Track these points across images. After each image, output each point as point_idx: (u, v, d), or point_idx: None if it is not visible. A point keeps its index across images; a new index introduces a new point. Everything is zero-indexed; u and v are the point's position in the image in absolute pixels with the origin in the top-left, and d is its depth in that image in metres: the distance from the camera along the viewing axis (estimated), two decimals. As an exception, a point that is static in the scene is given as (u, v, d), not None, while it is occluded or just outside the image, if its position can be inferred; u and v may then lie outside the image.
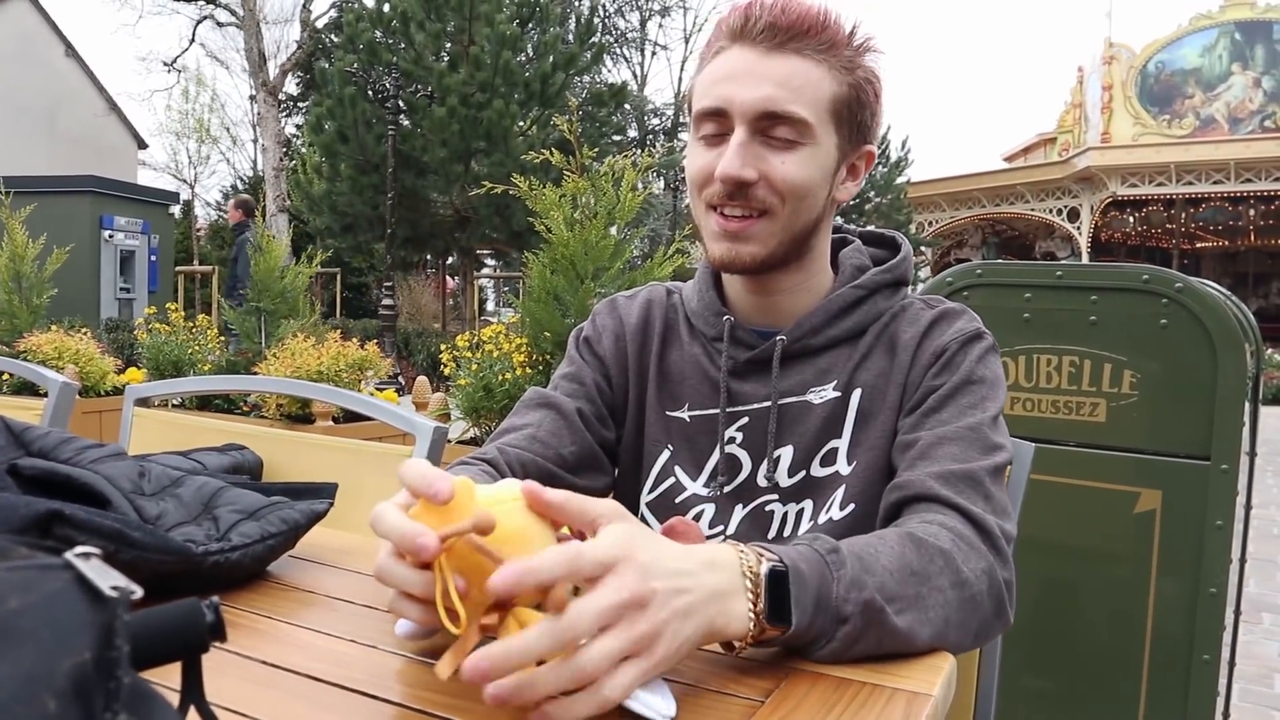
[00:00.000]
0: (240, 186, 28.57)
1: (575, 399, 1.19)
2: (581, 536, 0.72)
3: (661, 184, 23.23)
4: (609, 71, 26.33)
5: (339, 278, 20.59)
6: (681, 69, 29.46)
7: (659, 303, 1.25)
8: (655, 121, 27.19)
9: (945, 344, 1.08)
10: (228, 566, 0.89)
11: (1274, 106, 22.37)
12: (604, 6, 25.79)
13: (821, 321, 1.12)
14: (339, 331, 5.30)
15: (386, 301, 13.32)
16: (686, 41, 29.42)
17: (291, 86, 24.11)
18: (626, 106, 20.39)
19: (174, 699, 0.46)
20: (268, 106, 18.72)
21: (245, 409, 4.72)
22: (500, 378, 3.40)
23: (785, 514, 1.12)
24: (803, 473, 1.11)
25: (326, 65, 15.19)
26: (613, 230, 3.51)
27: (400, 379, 10.09)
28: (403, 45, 14.35)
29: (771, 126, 1.03)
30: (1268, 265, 26.42)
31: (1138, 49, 23.70)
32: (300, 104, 24.86)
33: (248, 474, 1.37)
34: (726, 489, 1.14)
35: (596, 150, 4.26)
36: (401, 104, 13.76)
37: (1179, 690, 1.96)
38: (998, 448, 1.01)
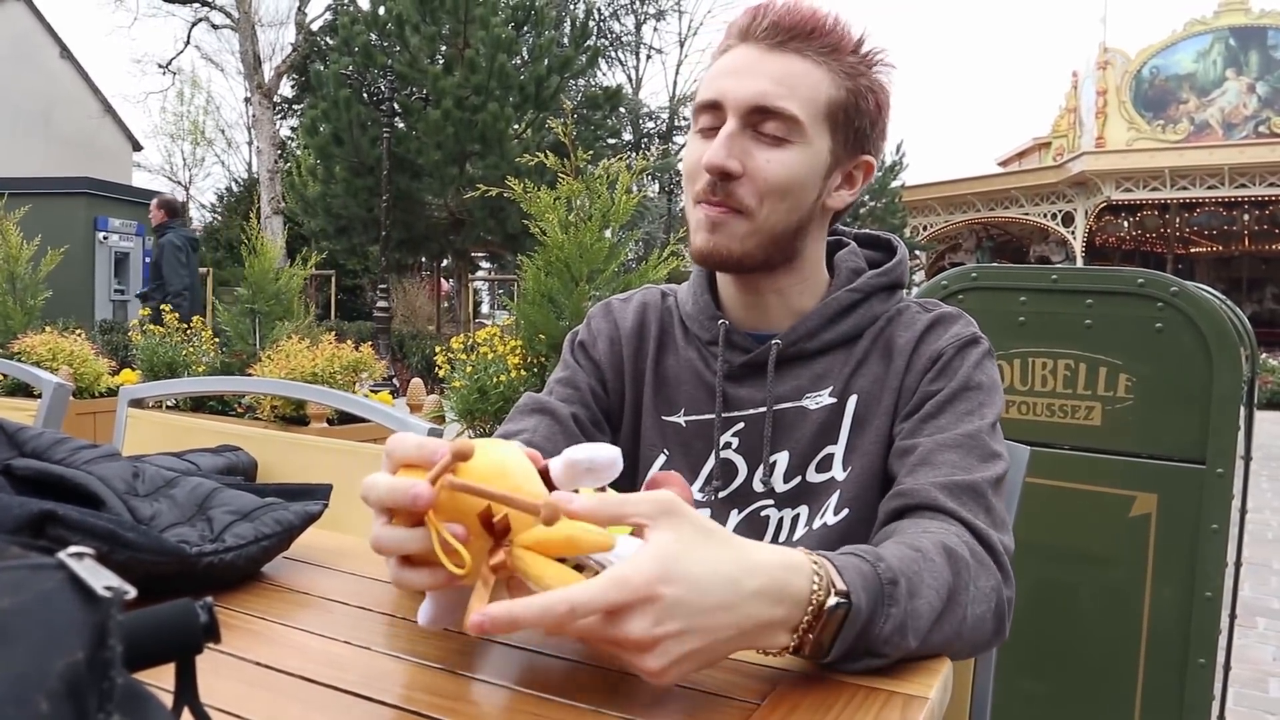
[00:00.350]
0: (235, 189, 28.52)
1: (570, 404, 1.18)
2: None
3: (656, 187, 23.25)
4: (604, 75, 26.34)
5: (334, 280, 20.58)
6: (677, 73, 29.57)
7: (654, 306, 1.25)
8: (650, 125, 27.19)
9: (942, 348, 1.08)
10: (222, 568, 0.89)
11: (1268, 112, 22.45)
12: (599, 10, 25.80)
13: (817, 325, 1.12)
14: (333, 333, 5.30)
15: (381, 304, 13.32)
16: (681, 45, 29.45)
17: (286, 89, 24.09)
18: (621, 110, 20.41)
19: (168, 700, 0.46)
20: (263, 109, 18.70)
21: (239, 411, 4.71)
22: (495, 380, 3.40)
23: (781, 519, 1.11)
24: (798, 478, 1.11)
25: (321, 68, 15.18)
26: (607, 233, 3.50)
27: (395, 381, 10.09)
28: (398, 48, 14.36)
29: (762, 121, 1.03)
30: (1262, 270, 26.50)
31: (1132, 54, 23.77)
32: (295, 106, 24.83)
33: (242, 475, 1.36)
34: (722, 494, 1.13)
35: (591, 153, 4.26)
36: (396, 106, 13.76)
37: (1174, 694, 1.96)
38: (996, 456, 1.01)
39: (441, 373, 3.68)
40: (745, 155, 1.04)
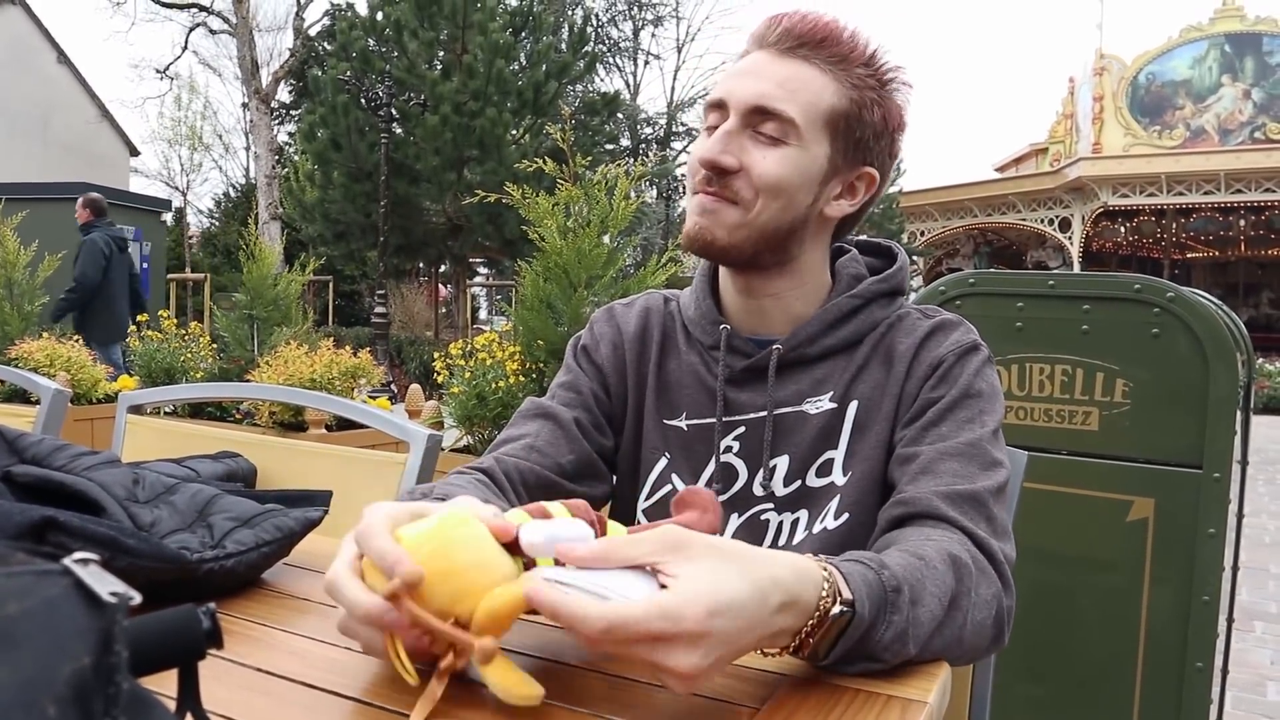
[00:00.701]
0: (233, 194, 28.50)
1: (572, 408, 1.19)
2: (542, 511, 0.73)
3: (654, 193, 23.25)
4: (602, 80, 26.41)
5: (331, 285, 20.56)
6: (674, 79, 29.53)
7: (657, 311, 1.26)
8: (648, 130, 27.23)
9: (942, 355, 1.09)
10: (222, 574, 0.89)
11: (1264, 118, 22.47)
12: (597, 16, 25.86)
13: (817, 331, 1.13)
14: (332, 339, 5.29)
15: (379, 309, 13.32)
16: (679, 51, 29.51)
17: (284, 94, 24.10)
18: (619, 115, 20.45)
19: (170, 706, 0.46)
20: (260, 114, 18.70)
21: (238, 417, 4.71)
22: (493, 386, 3.40)
23: (780, 523, 1.12)
24: (798, 482, 1.11)
25: (319, 73, 15.19)
26: (606, 239, 3.51)
27: (393, 387, 10.07)
28: (396, 53, 14.37)
29: (761, 122, 1.06)
30: (1258, 275, 26.54)
31: (1128, 60, 23.81)
32: (293, 111, 24.85)
33: (241, 482, 1.37)
34: (722, 498, 1.14)
35: (589, 159, 4.27)
36: (394, 112, 13.76)
37: (1172, 698, 1.96)
38: (998, 465, 1.02)
39: (440, 378, 3.69)
40: (742, 152, 1.06)
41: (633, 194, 3.52)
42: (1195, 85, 23.21)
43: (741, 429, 1.14)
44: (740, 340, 1.15)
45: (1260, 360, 17.02)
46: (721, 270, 1.20)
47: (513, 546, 0.72)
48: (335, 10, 20.81)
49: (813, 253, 1.15)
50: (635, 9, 27.72)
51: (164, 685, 0.48)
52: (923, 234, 26.93)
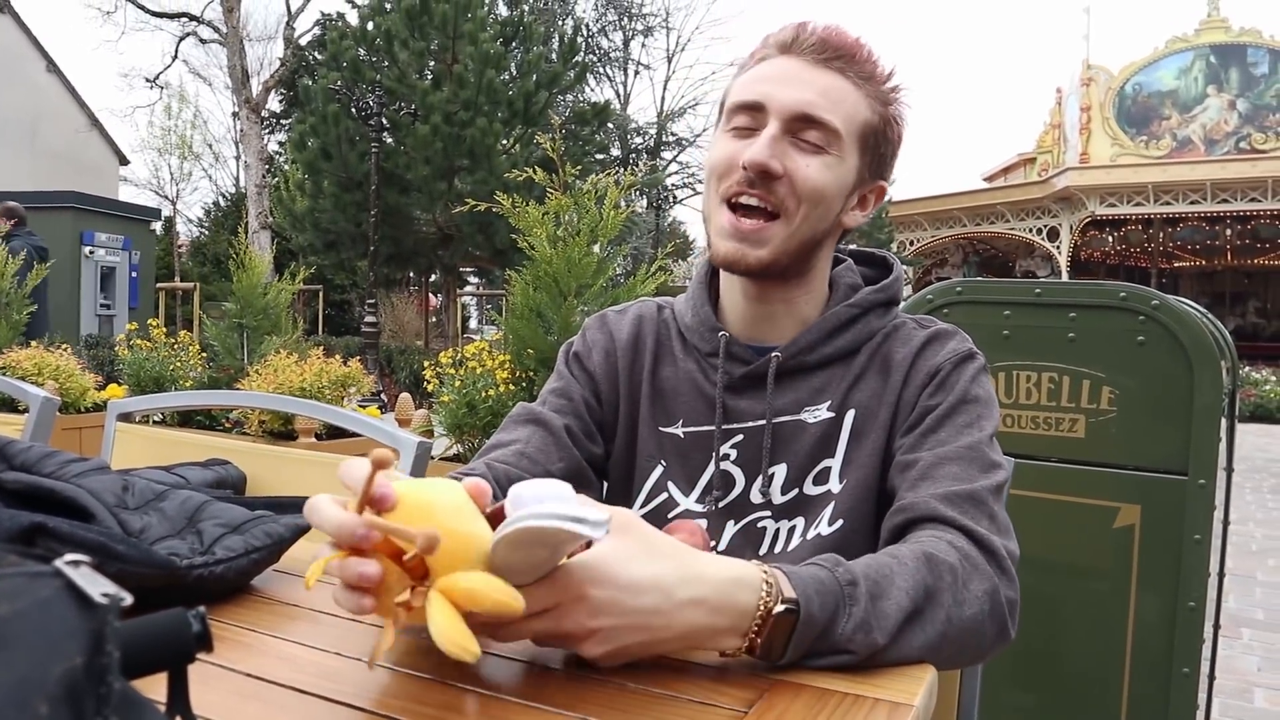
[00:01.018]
0: (222, 203, 28.45)
1: (563, 415, 1.19)
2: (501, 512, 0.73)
3: (644, 202, 23.29)
4: (592, 90, 26.46)
5: (321, 295, 20.54)
6: (664, 88, 29.64)
7: (650, 318, 1.26)
8: (638, 140, 27.29)
9: (939, 364, 1.10)
10: (212, 580, 0.89)
11: (1248, 128, 22.63)
12: (587, 26, 25.92)
13: (816, 339, 1.14)
14: (322, 348, 5.28)
15: (369, 318, 13.29)
16: (669, 61, 29.59)
17: (274, 103, 24.11)
18: (609, 125, 20.47)
19: (159, 709, 0.46)
20: (250, 123, 18.70)
21: (227, 426, 4.69)
22: (483, 394, 3.40)
23: (777, 531, 1.13)
24: (795, 490, 1.12)
25: (310, 82, 15.19)
26: (595, 248, 3.52)
27: (383, 396, 10.05)
28: (386, 63, 14.39)
29: (804, 129, 1.07)
30: (1244, 284, 26.67)
31: (1115, 71, 23.94)
32: (283, 121, 24.83)
33: (231, 489, 1.37)
34: (720, 505, 1.14)
35: (579, 168, 4.28)
36: (385, 121, 13.76)
37: (1159, 704, 1.97)
38: (997, 466, 1.03)
39: (430, 387, 3.69)
40: (785, 158, 1.06)
41: (623, 203, 3.53)
42: (1181, 96, 23.36)
43: (740, 436, 1.15)
44: (739, 347, 1.16)
45: (1247, 369, 17.11)
46: (725, 277, 1.20)
47: (492, 519, 0.73)
48: (326, 20, 20.82)
49: (825, 261, 1.17)
50: (625, 19, 27.82)
51: (154, 690, 0.49)
52: (912, 243, 27.00)
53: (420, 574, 0.69)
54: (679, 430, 1.18)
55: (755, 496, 1.13)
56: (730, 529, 1.14)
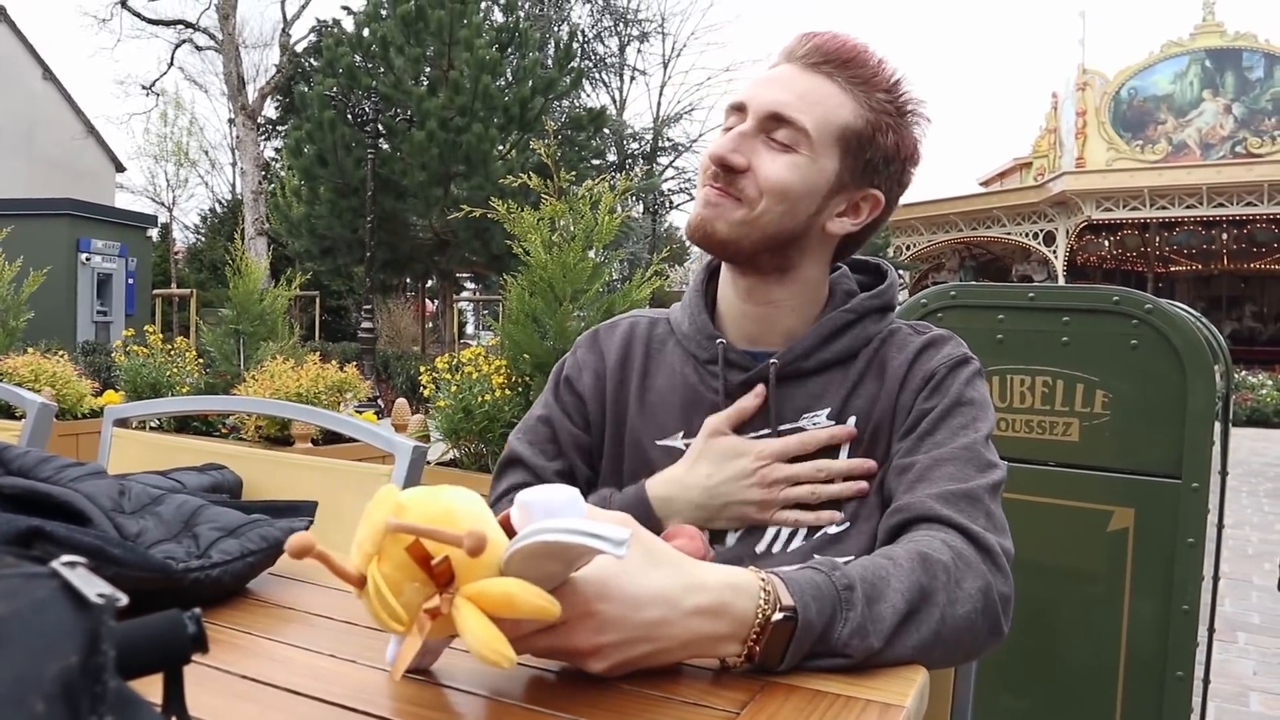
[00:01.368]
0: (219, 210, 28.43)
1: (551, 460, 1.21)
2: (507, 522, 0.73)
3: (640, 207, 23.30)
4: (588, 96, 26.44)
5: (318, 301, 20.53)
6: (660, 94, 29.63)
7: (641, 333, 1.26)
8: (634, 146, 27.26)
9: (934, 368, 1.11)
10: (208, 583, 0.89)
11: (1244, 132, 22.69)
12: (583, 32, 25.94)
13: (813, 344, 1.14)
14: (318, 354, 5.29)
15: (366, 324, 13.29)
16: (665, 67, 29.57)
17: (270, 110, 24.08)
18: (605, 131, 20.50)
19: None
20: (246, 130, 18.70)
21: (224, 431, 4.69)
22: (480, 399, 3.41)
23: (779, 531, 1.13)
24: None
25: (306, 89, 15.21)
26: (591, 253, 3.53)
27: (379, 401, 10.04)
28: (382, 69, 14.40)
29: (775, 128, 1.09)
30: (1240, 289, 26.73)
31: (1111, 75, 24.01)
32: (279, 127, 24.81)
33: (227, 493, 1.37)
34: None
35: (575, 174, 4.29)
36: (381, 128, 13.78)
37: (1153, 707, 1.97)
38: (993, 466, 1.05)
39: (426, 393, 3.69)
40: (752, 153, 1.09)
41: (618, 209, 3.54)
42: (1177, 100, 23.42)
43: None
44: (736, 354, 1.16)
45: (1243, 373, 17.14)
46: (723, 278, 1.21)
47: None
48: (322, 27, 20.82)
49: (812, 267, 1.17)
50: (621, 25, 27.83)
51: (150, 692, 0.49)
52: (909, 248, 27.04)
53: (445, 580, 0.68)
54: (679, 442, 1.17)
55: None
56: (733, 534, 1.14)
